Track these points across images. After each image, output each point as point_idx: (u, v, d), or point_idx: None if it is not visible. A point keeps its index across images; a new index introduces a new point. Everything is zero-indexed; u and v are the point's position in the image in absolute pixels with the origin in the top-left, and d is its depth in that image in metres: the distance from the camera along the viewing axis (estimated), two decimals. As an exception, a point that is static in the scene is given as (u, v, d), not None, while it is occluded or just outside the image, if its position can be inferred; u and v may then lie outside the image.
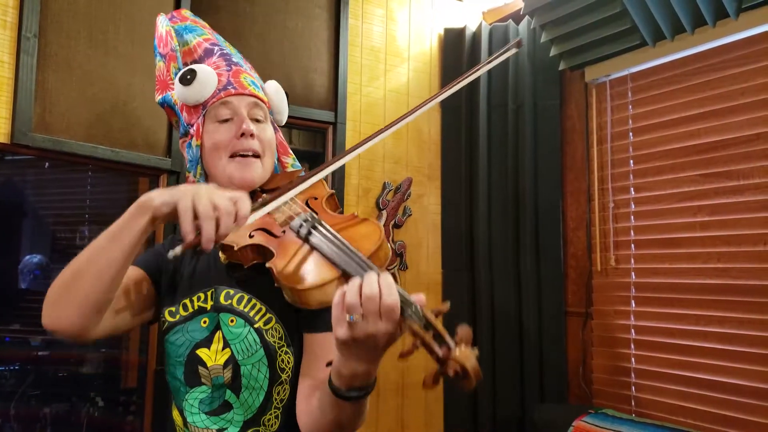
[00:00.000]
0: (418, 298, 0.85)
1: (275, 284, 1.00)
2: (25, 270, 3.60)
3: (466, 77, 1.26)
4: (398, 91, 2.96)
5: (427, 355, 0.83)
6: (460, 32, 3.07)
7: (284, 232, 1.07)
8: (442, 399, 2.93)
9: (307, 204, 1.17)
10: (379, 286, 0.82)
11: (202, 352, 1.15)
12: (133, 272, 1.19)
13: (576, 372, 2.73)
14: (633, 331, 2.49)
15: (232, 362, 1.12)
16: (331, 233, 1.01)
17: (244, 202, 0.95)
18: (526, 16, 2.91)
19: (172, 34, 1.30)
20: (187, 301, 1.19)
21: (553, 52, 2.73)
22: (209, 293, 1.18)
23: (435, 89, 3.09)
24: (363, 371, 0.89)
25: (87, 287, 1.00)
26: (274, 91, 1.33)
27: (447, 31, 3.11)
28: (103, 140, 2.08)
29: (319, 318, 1.10)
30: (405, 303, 0.84)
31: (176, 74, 1.30)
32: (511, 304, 2.87)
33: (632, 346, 2.49)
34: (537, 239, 2.86)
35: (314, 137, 3.14)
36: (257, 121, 1.23)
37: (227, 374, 1.13)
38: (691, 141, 2.33)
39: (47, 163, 3.59)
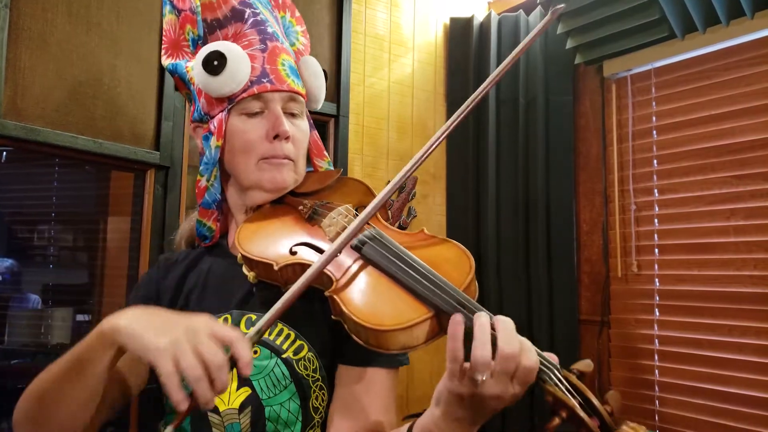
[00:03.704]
0: (552, 356, 0.70)
1: (333, 316, 0.79)
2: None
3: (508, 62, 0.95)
4: (403, 83, 2.75)
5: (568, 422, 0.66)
6: (467, 22, 2.88)
7: (340, 251, 0.86)
8: (448, 413, 2.74)
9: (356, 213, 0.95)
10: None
11: None
12: None
13: (590, 384, 2.57)
14: (657, 341, 2.35)
15: (253, 404, 0.90)
16: (408, 255, 0.80)
17: (241, 344, 0.70)
18: (539, 6, 2.75)
19: None
20: None
21: (569, 44, 2.57)
22: (220, 320, 0.95)
23: (440, 82, 2.90)
24: None
25: (60, 417, 0.83)
26: (312, 73, 1.09)
27: (453, 20, 2.92)
28: (84, 129, 1.81)
29: (362, 349, 0.91)
30: (545, 365, 0.67)
31: (193, 41, 1.06)
32: (521, 311, 2.70)
33: (656, 358, 2.35)
34: (548, 243, 2.70)
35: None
36: (293, 115, 1.03)
37: (245, 420, 0.90)
38: (723, 140, 2.19)
39: (4, 153, 3.27)
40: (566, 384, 0.66)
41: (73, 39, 1.79)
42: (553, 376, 0.66)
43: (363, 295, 0.78)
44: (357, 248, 0.83)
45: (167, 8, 1.08)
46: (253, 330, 0.74)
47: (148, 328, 0.72)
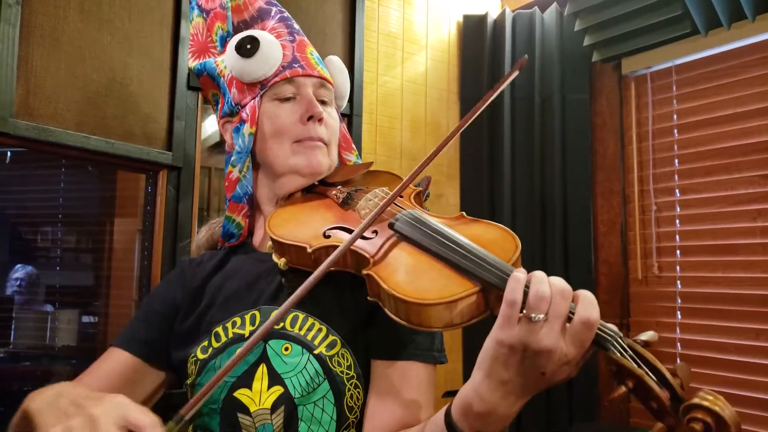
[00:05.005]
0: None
1: (369, 297, 0.76)
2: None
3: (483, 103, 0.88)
4: (416, 81, 2.70)
5: (644, 402, 0.60)
6: (481, 19, 2.83)
7: (376, 232, 0.83)
8: (463, 418, 2.69)
9: None
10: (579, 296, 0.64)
11: (242, 394, 0.87)
12: (129, 360, 0.95)
13: (609, 387, 2.53)
14: (679, 344, 2.30)
15: (285, 403, 0.85)
16: (449, 232, 0.76)
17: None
18: (554, 3, 2.70)
19: None
20: (219, 329, 0.92)
21: (586, 42, 2.52)
22: (247, 317, 0.91)
23: (454, 80, 2.85)
24: (503, 410, 0.67)
25: None
26: (338, 70, 1.10)
27: (466, 18, 2.87)
28: (96, 129, 1.77)
29: (399, 342, 0.86)
30: (607, 332, 0.63)
31: (221, 38, 1.07)
32: (538, 314, 2.65)
33: (678, 361, 2.30)
34: (565, 244, 2.65)
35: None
36: (323, 103, 1.02)
37: (277, 420, 0.85)
38: (749, 139, 2.14)
39: (9, 153, 3.23)
40: (631, 353, 0.61)
41: (85, 36, 1.74)
42: (616, 343, 0.62)
43: (403, 270, 0.74)
44: (392, 225, 0.80)
45: (194, 12, 1.08)
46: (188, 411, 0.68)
47: (51, 411, 0.69)
